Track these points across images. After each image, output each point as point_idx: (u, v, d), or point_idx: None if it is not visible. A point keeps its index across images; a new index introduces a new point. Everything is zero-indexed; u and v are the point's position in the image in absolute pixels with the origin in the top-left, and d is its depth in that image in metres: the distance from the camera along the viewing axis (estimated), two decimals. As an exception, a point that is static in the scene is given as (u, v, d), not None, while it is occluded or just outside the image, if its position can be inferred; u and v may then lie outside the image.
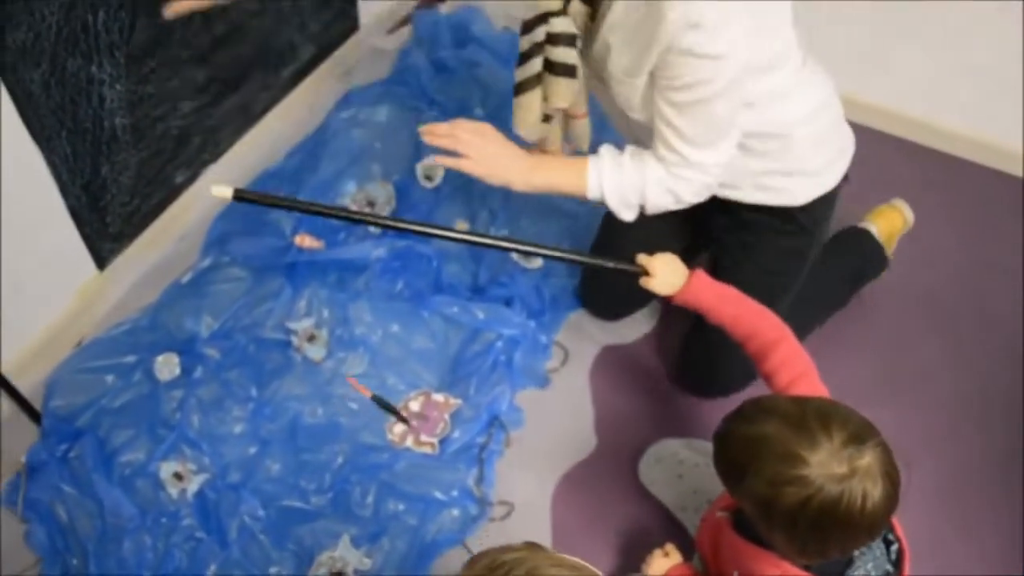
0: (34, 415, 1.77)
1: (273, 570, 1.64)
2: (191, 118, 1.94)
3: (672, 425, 1.85)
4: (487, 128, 1.55)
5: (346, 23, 2.35)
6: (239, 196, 1.47)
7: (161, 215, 2.00)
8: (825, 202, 1.69)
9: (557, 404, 1.89)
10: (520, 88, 1.54)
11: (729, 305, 1.49)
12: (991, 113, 2.26)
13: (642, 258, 1.55)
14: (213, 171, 2.07)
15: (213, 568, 1.63)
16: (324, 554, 1.65)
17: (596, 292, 1.99)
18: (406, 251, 2.00)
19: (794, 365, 1.39)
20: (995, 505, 1.78)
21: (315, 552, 1.65)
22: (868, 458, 1.08)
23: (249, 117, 2.15)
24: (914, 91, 2.32)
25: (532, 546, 1.01)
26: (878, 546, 1.23)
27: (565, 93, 1.52)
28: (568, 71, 1.49)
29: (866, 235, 2.02)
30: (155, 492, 1.70)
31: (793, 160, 1.61)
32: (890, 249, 2.05)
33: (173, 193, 2.01)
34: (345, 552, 1.65)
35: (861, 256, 2.02)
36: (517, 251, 1.66)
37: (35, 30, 1.50)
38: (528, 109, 1.55)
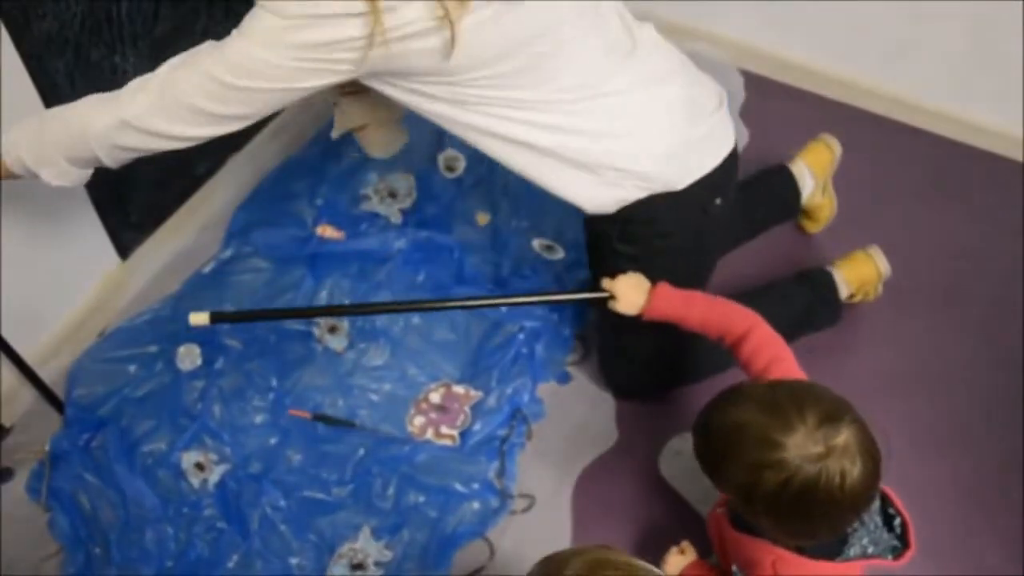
0: (57, 404, 1.78)
1: (294, 561, 1.64)
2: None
3: (693, 418, 1.83)
4: None
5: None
6: (216, 319, 1.49)
7: (183, 205, 2.01)
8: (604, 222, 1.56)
9: (578, 397, 1.88)
10: None
11: (695, 311, 1.48)
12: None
13: (605, 283, 1.52)
14: (235, 161, 2.07)
15: (234, 558, 1.63)
16: (345, 545, 1.65)
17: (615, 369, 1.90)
18: (428, 242, 2.00)
19: (764, 352, 1.39)
20: (1020, 502, 1.76)
21: (336, 543, 1.65)
22: (844, 436, 1.09)
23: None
24: (933, 80, 2.31)
25: (605, 547, 1.06)
26: (872, 521, 1.23)
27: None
28: None
29: (827, 280, 1.91)
30: (177, 482, 1.71)
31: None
32: (861, 296, 1.95)
33: (195, 183, 2.02)
34: (365, 544, 1.65)
35: (812, 301, 1.90)
36: (485, 307, 1.62)
37: (60, 19, 1.50)
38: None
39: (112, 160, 1.36)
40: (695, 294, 1.51)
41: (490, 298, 1.59)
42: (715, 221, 1.62)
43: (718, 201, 1.58)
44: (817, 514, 1.13)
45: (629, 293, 1.51)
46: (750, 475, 1.12)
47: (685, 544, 1.51)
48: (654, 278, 1.54)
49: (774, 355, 1.39)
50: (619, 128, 1.46)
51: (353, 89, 1.60)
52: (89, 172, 1.41)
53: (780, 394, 1.16)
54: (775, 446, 1.10)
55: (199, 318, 1.47)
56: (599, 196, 1.52)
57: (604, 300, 1.53)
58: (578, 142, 1.45)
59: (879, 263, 1.93)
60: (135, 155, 1.37)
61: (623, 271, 1.55)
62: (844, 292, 1.92)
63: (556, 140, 1.44)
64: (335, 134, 1.70)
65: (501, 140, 1.45)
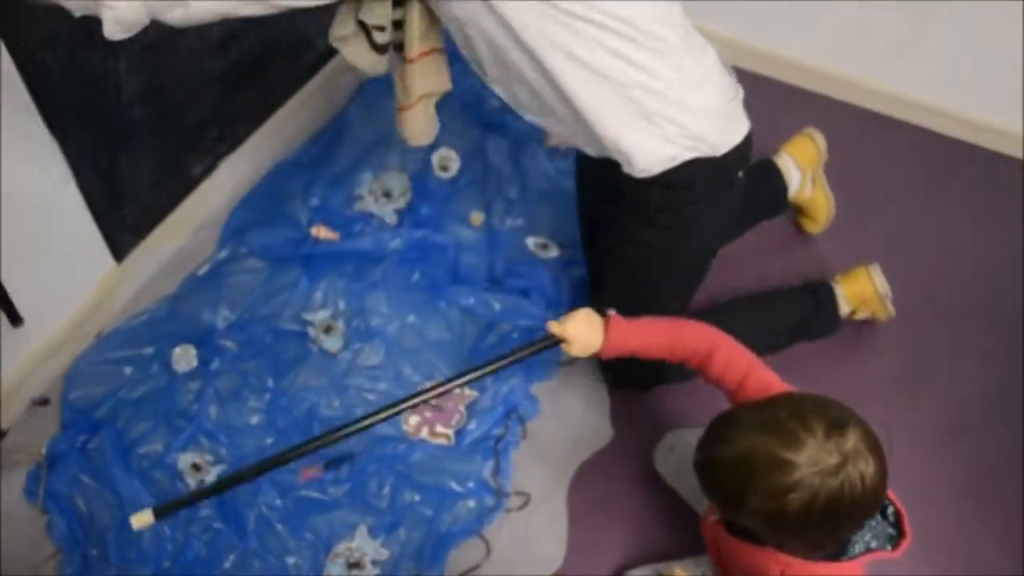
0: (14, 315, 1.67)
1: (290, 560, 1.64)
2: (208, 109, 1.94)
3: (689, 415, 1.84)
4: None
5: (362, 14, 2.35)
6: (160, 514, 1.37)
7: (178, 207, 2.01)
8: (670, 188, 1.54)
9: (573, 395, 1.88)
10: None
11: (654, 336, 1.44)
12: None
13: (552, 326, 1.44)
14: (230, 162, 2.07)
15: (231, 558, 1.64)
16: (341, 544, 1.65)
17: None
18: (423, 241, 2.01)
19: (736, 367, 1.37)
20: (1019, 500, 1.77)
21: (332, 542, 1.66)
22: (852, 440, 1.10)
23: (266, 108, 2.14)
24: (932, 77, 2.31)
25: None
26: (872, 518, 1.23)
27: (379, 12, 1.42)
28: None
29: (830, 293, 1.91)
30: (173, 483, 1.71)
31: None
32: (863, 313, 1.94)
33: (190, 185, 2.02)
34: (362, 542, 1.66)
35: (812, 311, 1.90)
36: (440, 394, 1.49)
37: (54, 21, 1.50)
38: (339, 24, 1.45)
39: (183, 19, 1.29)
40: (650, 321, 1.45)
41: (443, 385, 1.45)
42: (734, 197, 1.64)
43: (740, 174, 1.61)
44: (844, 521, 1.13)
45: (581, 333, 1.43)
46: (772, 501, 1.11)
47: (678, 571, 1.46)
48: (685, 252, 1.56)
49: (746, 369, 1.37)
50: (685, 81, 1.49)
51: (422, 52, 1.58)
52: (145, 23, 1.29)
53: (779, 411, 1.14)
54: (788, 466, 1.09)
55: (141, 518, 1.35)
56: (652, 150, 1.51)
57: (556, 344, 1.44)
58: (652, 83, 1.46)
59: (877, 282, 1.92)
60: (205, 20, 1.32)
61: (645, 255, 1.54)
62: (845, 309, 1.92)
63: (634, 77, 1.45)
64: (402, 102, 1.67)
65: (582, 65, 1.43)
